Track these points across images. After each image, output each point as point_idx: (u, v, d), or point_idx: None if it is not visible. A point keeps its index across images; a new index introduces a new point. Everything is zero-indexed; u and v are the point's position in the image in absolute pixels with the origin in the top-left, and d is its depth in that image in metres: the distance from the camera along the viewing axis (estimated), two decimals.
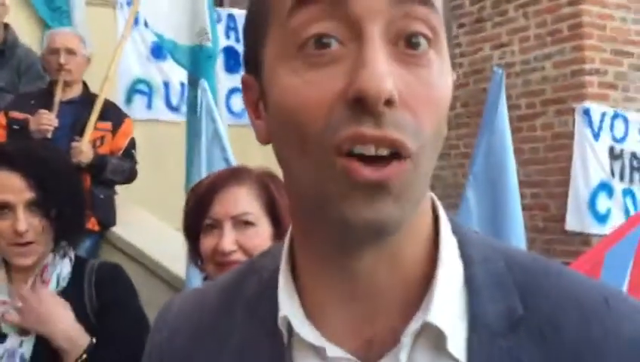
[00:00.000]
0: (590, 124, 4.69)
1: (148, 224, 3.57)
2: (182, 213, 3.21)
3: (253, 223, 1.33)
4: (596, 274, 1.72)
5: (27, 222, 1.43)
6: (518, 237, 2.19)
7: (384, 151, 0.46)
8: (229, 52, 5.47)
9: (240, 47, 5.53)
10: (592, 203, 4.69)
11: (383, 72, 0.45)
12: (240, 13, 5.72)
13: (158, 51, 5.02)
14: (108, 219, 3.21)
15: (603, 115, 4.73)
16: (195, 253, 1.40)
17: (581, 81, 4.75)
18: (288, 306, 0.55)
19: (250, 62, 0.56)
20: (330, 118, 0.47)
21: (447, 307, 0.52)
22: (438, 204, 0.57)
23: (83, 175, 3.02)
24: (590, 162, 4.71)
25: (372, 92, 0.45)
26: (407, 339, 0.51)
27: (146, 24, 3.88)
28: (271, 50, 0.52)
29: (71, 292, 1.50)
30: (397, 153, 0.47)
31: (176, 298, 0.69)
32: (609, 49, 4.83)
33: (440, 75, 0.50)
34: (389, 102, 0.45)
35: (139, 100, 5.01)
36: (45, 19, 4.47)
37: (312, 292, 0.56)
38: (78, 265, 1.55)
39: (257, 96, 0.56)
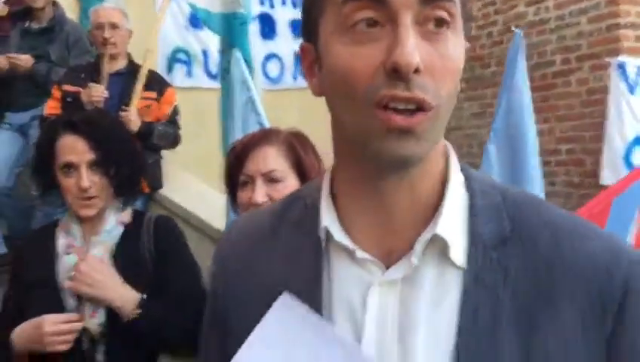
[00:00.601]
0: (626, 78, 4.66)
1: (191, 185, 3.78)
2: (221, 174, 3.43)
3: (281, 179, 1.51)
4: (603, 218, 1.82)
5: (89, 180, 1.65)
6: (535, 190, 2.30)
7: (412, 106, 0.63)
8: (264, 19, 5.57)
9: (274, 13, 5.64)
10: (627, 157, 4.69)
11: (413, 49, 0.61)
12: None
13: (195, 21, 5.15)
14: (156, 182, 3.44)
15: (639, 68, 4.70)
16: (234, 204, 1.59)
17: (616, 35, 4.71)
18: (328, 219, 0.73)
19: (308, 33, 0.72)
20: (373, 81, 0.63)
21: (452, 224, 0.69)
22: (450, 148, 0.75)
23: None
24: (626, 116, 4.69)
25: (404, 64, 0.61)
26: (419, 246, 0.68)
27: None
28: (326, 27, 0.68)
29: (130, 242, 1.71)
30: (421, 107, 0.63)
31: (238, 219, 0.90)
32: None
33: (455, 49, 0.65)
34: (416, 71, 0.61)
35: (179, 69, 5.18)
36: None
37: (347, 210, 0.73)
38: (137, 217, 1.77)
39: (312, 60, 0.72)
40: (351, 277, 0.71)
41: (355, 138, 0.67)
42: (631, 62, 4.66)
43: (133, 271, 1.66)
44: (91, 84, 3.19)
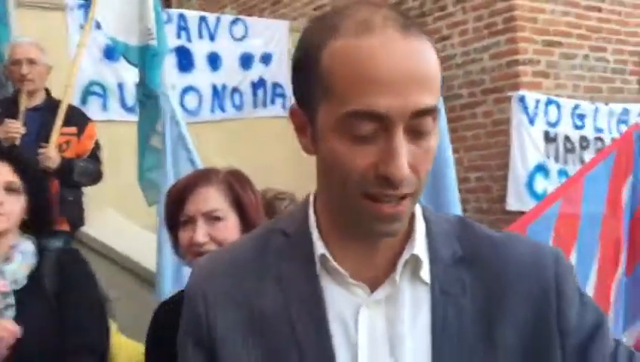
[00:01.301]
0: (526, 110, 5.02)
1: (114, 222, 3.72)
2: (143, 209, 3.38)
3: (221, 218, 1.54)
4: None
5: (2, 197, 1.69)
6: None
7: (396, 200, 0.74)
8: (181, 52, 5.54)
9: (191, 47, 5.64)
10: (529, 184, 5.03)
11: (404, 164, 0.71)
12: (190, 14, 5.81)
13: (110, 53, 5.06)
14: (77, 220, 3.34)
15: (537, 101, 5.07)
16: (176, 243, 1.60)
17: (516, 71, 5.08)
18: (322, 249, 0.81)
19: (302, 102, 0.79)
20: (364, 177, 0.72)
21: (420, 247, 0.81)
22: None
23: (51, 179, 3.16)
24: (527, 146, 5.05)
25: (397, 179, 0.71)
26: (400, 266, 0.79)
27: (98, 26, 3.98)
28: (325, 119, 0.75)
29: (34, 280, 1.71)
30: (405, 197, 0.74)
31: (207, 255, 0.93)
32: (540, 40, 5.17)
33: (433, 140, 0.75)
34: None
35: (94, 102, 5.05)
36: None
37: (333, 247, 0.81)
38: (41, 252, 1.77)
39: (304, 124, 0.80)
40: (342, 299, 0.80)
41: (346, 215, 0.78)
42: (530, 96, 5.03)
43: (38, 308, 1.67)
44: (7, 120, 3.08)
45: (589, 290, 2.10)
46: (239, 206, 1.57)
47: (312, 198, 0.86)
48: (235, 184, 1.59)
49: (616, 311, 2.15)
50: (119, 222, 3.72)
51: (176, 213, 1.56)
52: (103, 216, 3.66)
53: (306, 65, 0.76)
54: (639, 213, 2.26)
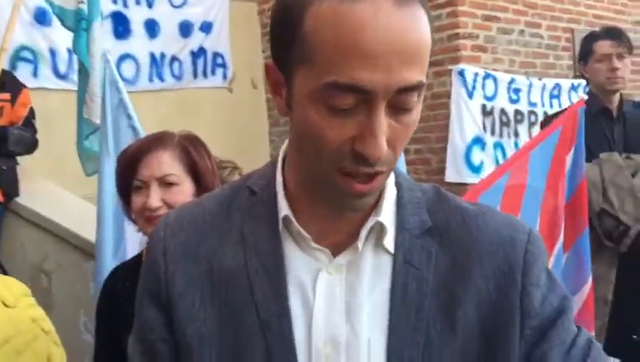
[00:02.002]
0: (465, 84, 5.13)
1: (49, 192, 3.59)
2: (79, 179, 3.27)
3: (176, 183, 1.52)
4: None
5: None
6: None
7: (370, 175, 0.72)
8: (118, 18, 5.35)
9: (128, 12, 5.45)
10: (467, 156, 5.16)
11: (383, 143, 0.68)
12: None
13: (42, 17, 4.85)
14: (11, 190, 3.22)
15: (475, 75, 5.18)
16: (127, 208, 1.57)
17: (456, 45, 5.16)
18: (286, 210, 0.79)
19: (277, 60, 0.74)
20: (339, 150, 0.70)
21: (387, 215, 0.80)
22: None
23: None
24: (465, 119, 5.16)
25: (373, 157, 0.68)
26: (364, 232, 0.78)
27: None
28: (301, 82, 0.70)
29: None
30: (379, 172, 0.72)
31: (172, 210, 0.89)
32: (480, 14, 5.27)
33: (415, 115, 0.72)
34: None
35: (23, 68, 4.80)
36: None
37: (299, 205, 0.80)
38: None
39: (279, 83, 0.75)
40: (303, 264, 0.79)
41: (316, 183, 0.76)
42: (469, 70, 5.14)
43: None
44: None
45: None
46: (194, 171, 1.55)
47: (280, 157, 0.84)
48: (191, 148, 1.56)
49: None
50: (55, 192, 3.60)
51: (129, 177, 1.53)
52: (37, 186, 3.52)
53: (287, 22, 0.71)
54: (574, 198, 2.32)
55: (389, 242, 0.79)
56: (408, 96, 0.69)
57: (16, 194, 3.29)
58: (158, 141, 1.56)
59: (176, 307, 0.79)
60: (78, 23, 3.41)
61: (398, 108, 0.69)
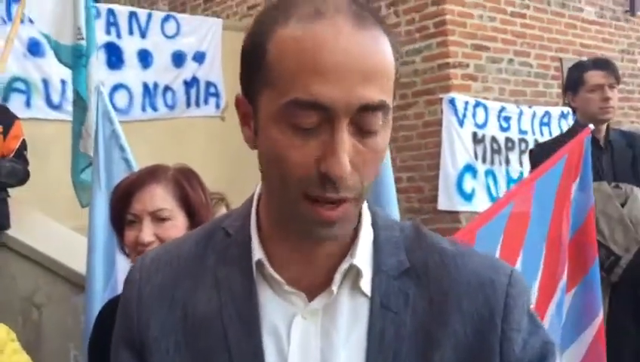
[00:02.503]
0: (455, 112, 5.18)
1: (40, 223, 3.57)
2: (71, 210, 3.24)
3: (169, 217, 1.51)
4: None
5: None
6: (394, 215, 2.49)
7: (336, 202, 0.70)
8: (111, 48, 5.39)
9: (121, 43, 5.49)
10: (459, 183, 5.19)
11: (345, 161, 0.67)
12: (120, 9, 5.65)
13: (35, 48, 4.87)
14: (2, 222, 3.20)
15: (466, 103, 5.24)
16: (121, 242, 1.57)
17: (447, 74, 5.23)
18: (260, 254, 0.77)
19: (246, 88, 0.75)
20: (305, 174, 0.69)
21: (363, 257, 0.77)
22: None
23: None
24: (456, 147, 5.21)
25: (336, 176, 0.67)
26: (338, 276, 0.76)
27: (22, 21, 3.81)
28: (266, 106, 0.71)
29: None
30: (345, 201, 0.70)
31: (148, 252, 0.88)
32: (469, 44, 5.35)
33: (382, 140, 0.71)
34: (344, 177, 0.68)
35: (17, 99, 4.82)
36: None
37: (272, 246, 0.78)
38: None
39: (248, 113, 0.75)
40: (277, 308, 0.77)
41: (285, 212, 0.74)
42: (459, 98, 5.20)
43: None
44: None
45: (534, 291, 2.11)
46: (188, 205, 1.55)
47: (256, 195, 0.82)
48: (185, 182, 1.56)
49: (552, 323, 2.16)
50: (46, 223, 3.58)
51: (122, 211, 1.53)
52: (28, 217, 3.51)
53: (253, 52, 0.72)
54: (578, 234, 2.29)
55: (365, 285, 0.77)
56: (371, 116, 0.69)
57: (7, 227, 3.27)
58: (151, 175, 1.55)
59: (150, 352, 0.78)
60: (78, 59, 3.45)
61: (362, 129, 0.69)
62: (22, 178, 3.24)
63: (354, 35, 0.68)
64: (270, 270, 0.76)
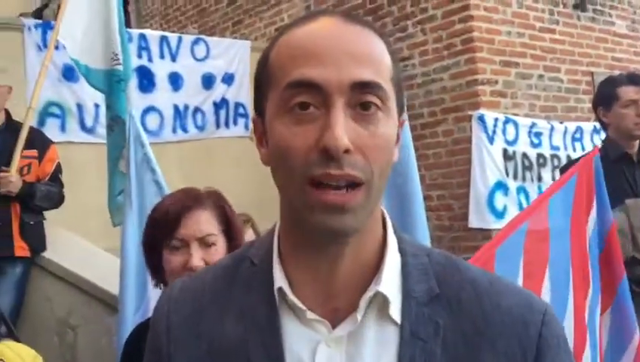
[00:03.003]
0: (485, 129, 5.13)
1: (75, 245, 3.63)
2: (104, 230, 3.30)
3: (214, 243, 1.54)
4: (490, 269, 1.95)
5: None
6: (423, 237, 2.47)
7: (343, 183, 0.69)
8: (142, 71, 5.49)
9: (152, 67, 5.60)
10: (490, 201, 5.12)
11: (341, 132, 0.68)
12: (151, 34, 5.78)
13: (69, 73, 4.99)
14: (38, 245, 3.26)
15: (496, 120, 5.19)
16: (153, 266, 1.58)
17: (475, 90, 5.20)
18: (281, 282, 0.77)
19: (258, 107, 0.78)
20: (308, 158, 0.69)
21: (390, 283, 0.76)
22: (386, 213, 0.82)
23: (13, 203, 3.08)
24: (487, 164, 5.15)
25: (333, 147, 0.68)
26: (363, 303, 0.74)
27: (57, 47, 3.92)
28: (270, 106, 0.74)
29: None
30: (352, 183, 0.70)
31: (177, 281, 0.89)
32: (498, 60, 5.31)
33: (385, 127, 0.72)
34: (347, 151, 0.68)
35: (52, 123, 4.95)
36: None
37: (294, 272, 0.78)
38: None
39: (262, 132, 0.78)
40: (301, 336, 0.76)
41: (296, 210, 0.73)
42: (489, 115, 5.15)
43: None
44: None
45: (569, 316, 2.07)
46: (228, 229, 1.57)
47: (278, 225, 0.82)
48: (226, 207, 1.59)
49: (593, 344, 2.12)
50: (80, 245, 3.65)
51: (165, 235, 1.53)
52: (63, 239, 3.57)
53: (260, 67, 0.78)
54: (606, 250, 2.25)
55: (395, 312, 0.75)
56: (366, 95, 0.71)
57: (43, 249, 3.34)
58: (195, 200, 1.57)
59: None
60: (117, 84, 3.52)
61: (359, 112, 0.71)
62: (57, 201, 3.31)
63: (343, 27, 0.73)
64: (292, 297, 0.76)
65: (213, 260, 1.48)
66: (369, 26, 0.75)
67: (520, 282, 1.96)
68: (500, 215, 5.14)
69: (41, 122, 4.85)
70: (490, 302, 0.77)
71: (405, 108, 0.83)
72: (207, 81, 5.85)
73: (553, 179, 5.46)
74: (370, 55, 0.72)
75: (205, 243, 1.52)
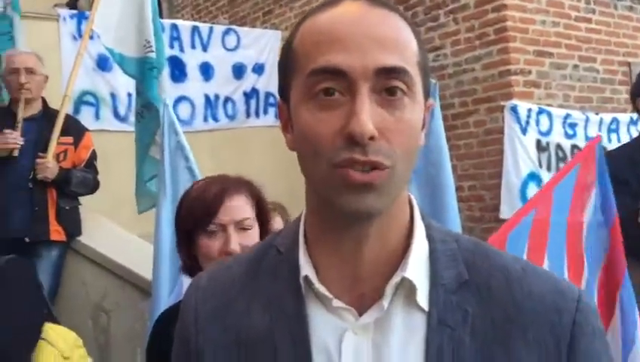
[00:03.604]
0: (518, 119, 5.07)
1: (109, 231, 3.69)
2: (137, 217, 3.35)
3: (250, 227, 1.56)
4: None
5: None
6: (454, 228, 2.47)
7: (367, 169, 0.69)
8: (174, 61, 5.55)
9: (184, 56, 5.65)
10: (522, 192, 5.06)
11: (367, 119, 0.68)
12: (183, 24, 5.83)
13: (103, 63, 5.08)
14: (74, 229, 3.33)
15: (529, 111, 5.11)
16: (183, 251, 1.59)
17: (508, 81, 5.12)
18: (307, 268, 0.77)
19: (283, 93, 0.78)
20: (334, 144, 0.69)
21: (417, 269, 0.75)
22: (413, 199, 0.81)
23: (49, 189, 3.15)
24: (519, 155, 5.08)
25: (359, 133, 0.67)
26: (389, 289, 0.74)
27: (91, 36, 3.98)
28: (295, 93, 0.74)
29: None
30: (376, 168, 0.69)
31: (204, 271, 0.90)
32: (532, 50, 5.23)
33: (411, 113, 0.71)
34: (371, 138, 0.68)
35: (86, 112, 5.04)
36: None
37: (320, 258, 0.78)
38: None
39: (287, 118, 0.78)
40: (327, 324, 0.75)
41: (321, 193, 0.73)
42: (522, 106, 5.08)
43: None
44: (6, 131, 3.07)
45: None
46: (261, 215, 1.60)
47: (304, 211, 0.82)
48: (261, 194, 1.61)
49: None
50: (114, 231, 3.71)
51: (203, 220, 1.54)
52: (98, 225, 3.64)
53: (284, 54, 0.77)
54: (613, 242, 2.25)
55: (422, 299, 0.74)
56: (391, 80, 0.70)
57: (79, 234, 3.41)
58: (232, 185, 1.58)
59: None
60: (149, 71, 3.57)
61: (385, 98, 0.70)
62: (92, 187, 3.37)
63: (367, 11, 0.72)
64: (318, 285, 0.76)
65: (248, 244, 1.50)
66: (394, 10, 0.74)
67: None
68: None
69: (76, 110, 4.95)
70: (522, 288, 0.75)
71: (433, 93, 0.82)
72: (238, 71, 5.89)
73: None
74: (395, 39, 0.71)
75: (242, 227, 1.54)
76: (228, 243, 1.50)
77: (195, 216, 1.55)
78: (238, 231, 1.53)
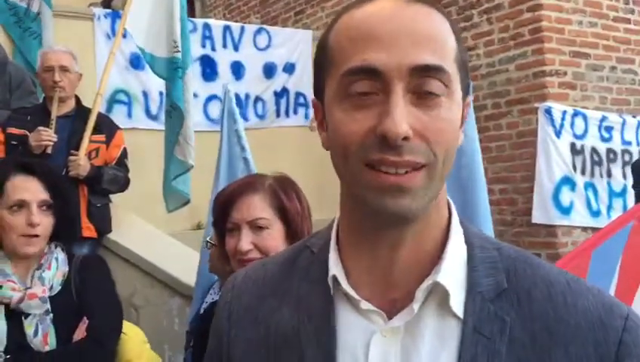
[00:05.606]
0: (552, 122, 4.97)
1: (139, 228, 3.73)
2: (167, 215, 3.38)
3: (266, 226, 1.54)
4: (583, 271, 1.85)
5: (39, 218, 1.76)
6: (486, 231, 2.41)
7: (402, 170, 0.67)
8: (206, 60, 5.58)
9: (215, 56, 5.67)
10: (555, 196, 4.97)
11: (400, 119, 0.66)
12: (215, 23, 5.85)
13: (136, 62, 5.13)
14: (104, 226, 3.36)
15: (564, 113, 5.02)
16: (222, 249, 1.61)
17: (542, 82, 5.04)
18: (336, 270, 0.76)
19: (318, 91, 0.77)
20: (364, 142, 0.68)
21: (452, 275, 0.73)
22: (452, 203, 0.79)
23: (80, 186, 3.18)
24: (553, 158, 4.99)
25: (392, 134, 0.66)
26: (420, 294, 0.71)
27: (124, 35, 4.03)
28: (329, 91, 0.73)
29: (65, 284, 1.83)
30: (412, 168, 0.67)
31: (241, 270, 0.91)
32: (567, 51, 5.13)
33: (448, 112, 0.69)
34: (405, 138, 0.66)
35: (119, 110, 5.09)
36: (14, 38, 4.53)
37: (352, 260, 0.77)
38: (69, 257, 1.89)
39: (322, 116, 0.77)
40: (355, 326, 0.74)
41: (356, 193, 0.72)
42: (556, 108, 4.98)
43: (68, 312, 1.77)
44: (40, 128, 3.11)
45: None
46: (284, 214, 1.57)
47: (338, 214, 0.81)
48: (281, 192, 1.58)
49: None
50: (144, 228, 3.74)
51: (223, 220, 1.58)
52: (128, 222, 3.67)
53: (319, 51, 0.76)
54: None
55: (456, 305, 0.72)
56: (427, 80, 0.68)
57: (109, 231, 3.44)
58: (249, 185, 1.60)
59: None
60: (174, 71, 3.60)
61: (420, 96, 0.68)
62: (123, 185, 3.39)
63: (403, 8, 0.70)
64: (345, 286, 0.75)
65: (265, 244, 1.51)
66: (431, 5, 0.72)
67: (614, 284, 1.84)
68: (566, 211, 4.98)
69: (109, 108, 5.00)
70: (565, 301, 0.72)
71: (471, 90, 0.80)
72: (269, 71, 5.89)
73: (624, 175, 5.24)
74: (432, 36, 0.69)
75: (256, 226, 1.53)
76: (239, 242, 1.51)
77: (215, 214, 1.61)
78: (252, 230, 1.53)
